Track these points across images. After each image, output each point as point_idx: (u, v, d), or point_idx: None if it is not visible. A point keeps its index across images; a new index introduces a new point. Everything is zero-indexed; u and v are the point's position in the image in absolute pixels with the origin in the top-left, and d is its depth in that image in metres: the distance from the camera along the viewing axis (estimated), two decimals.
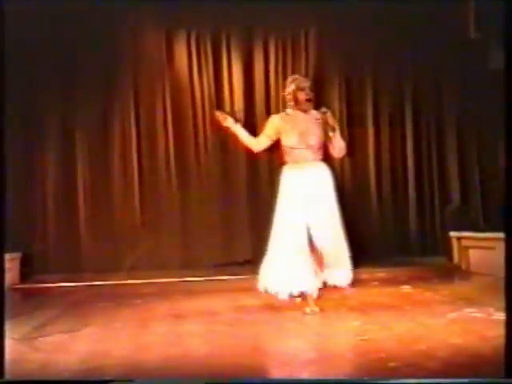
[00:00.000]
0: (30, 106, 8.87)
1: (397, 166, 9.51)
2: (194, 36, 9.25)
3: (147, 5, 8.82)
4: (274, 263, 5.43)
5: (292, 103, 5.61)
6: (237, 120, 5.65)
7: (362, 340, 4.37)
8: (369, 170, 9.46)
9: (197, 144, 9.22)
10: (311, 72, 9.32)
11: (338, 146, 5.60)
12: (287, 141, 5.54)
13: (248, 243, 8.92)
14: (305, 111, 5.59)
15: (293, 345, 4.44)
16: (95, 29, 8.90)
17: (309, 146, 5.50)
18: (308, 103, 5.59)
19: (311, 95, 5.60)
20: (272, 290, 5.46)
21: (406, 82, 9.51)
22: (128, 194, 9.10)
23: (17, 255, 8.28)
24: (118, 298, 6.76)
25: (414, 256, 9.03)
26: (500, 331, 4.38)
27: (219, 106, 8.95)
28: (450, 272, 7.94)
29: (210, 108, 9.07)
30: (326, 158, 5.72)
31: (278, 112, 9.16)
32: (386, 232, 9.34)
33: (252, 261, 8.01)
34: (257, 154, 6.16)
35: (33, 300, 7.27)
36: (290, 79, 5.80)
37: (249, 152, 6.15)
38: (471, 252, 8.06)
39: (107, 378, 3.72)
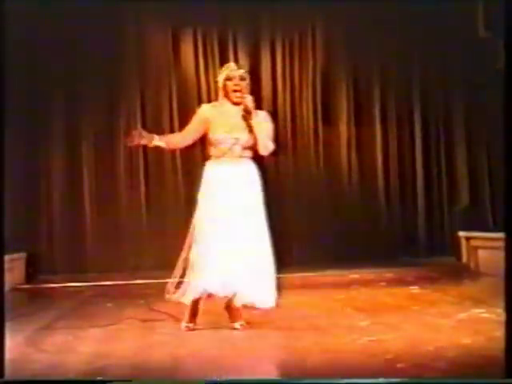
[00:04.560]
0: (34, 106, 8.82)
1: (405, 165, 9.48)
2: (201, 35, 9.22)
3: (153, 3, 8.79)
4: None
5: (222, 93, 5.01)
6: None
7: (370, 341, 4.32)
8: (377, 169, 9.42)
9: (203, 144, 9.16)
10: (319, 71, 9.31)
11: (260, 140, 4.88)
12: (213, 133, 4.94)
13: None
14: (235, 103, 4.93)
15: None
16: (100, 28, 8.86)
17: (236, 141, 4.90)
18: (237, 95, 4.90)
19: (241, 85, 4.92)
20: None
21: (414, 82, 9.47)
22: (134, 194, 9.07)
23: (22, 255, 8.25)
24: (123, 298, 6.72)
25: (422, 256, 9.01)
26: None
27: None
28: (459, 272, 7.89)
29: None
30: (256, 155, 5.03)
31: (285, 113, 9.36)
32: (394, 232, 9.30)
33: None
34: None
35: (38, 300, 7.24)
36: (223, 67, 5.14)
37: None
38: (480, 252, 8.00)
39: (111, 378, 3.68)
